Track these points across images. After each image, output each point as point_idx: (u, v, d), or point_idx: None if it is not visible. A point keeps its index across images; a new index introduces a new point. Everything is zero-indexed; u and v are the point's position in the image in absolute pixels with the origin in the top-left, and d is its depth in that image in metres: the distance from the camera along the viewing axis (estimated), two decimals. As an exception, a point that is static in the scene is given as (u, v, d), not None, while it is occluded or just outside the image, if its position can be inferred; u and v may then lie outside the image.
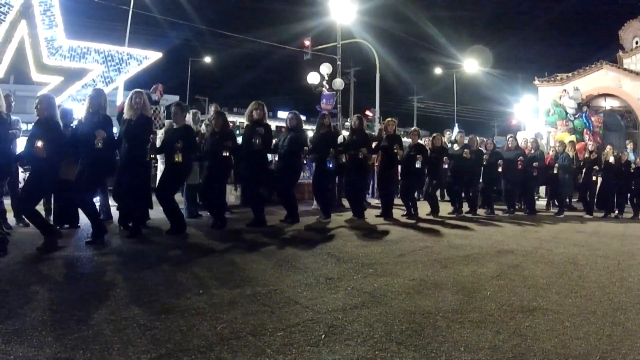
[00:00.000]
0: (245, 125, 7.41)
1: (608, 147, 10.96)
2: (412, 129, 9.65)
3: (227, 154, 6.59)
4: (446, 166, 9.06)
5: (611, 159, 10.33)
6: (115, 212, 7.25)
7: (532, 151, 10.40)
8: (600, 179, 10.57)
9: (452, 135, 12.57)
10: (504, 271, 4.75)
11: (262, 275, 4.32)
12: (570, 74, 18.64)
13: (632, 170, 10.22)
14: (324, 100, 13.75)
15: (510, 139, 10.65)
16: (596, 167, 10.15)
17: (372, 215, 8.44)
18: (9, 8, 7.76)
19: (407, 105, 45.76)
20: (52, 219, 6.64)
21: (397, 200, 9.53)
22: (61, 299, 3.45)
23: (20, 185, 7.65)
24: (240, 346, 2.72)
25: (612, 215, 10.36)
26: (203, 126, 8.00)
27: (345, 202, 9.38)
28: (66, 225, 6.46)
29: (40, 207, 6.64)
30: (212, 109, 8.10)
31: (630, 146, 13.51)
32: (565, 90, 17.76)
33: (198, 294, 3.67)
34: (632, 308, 3.63)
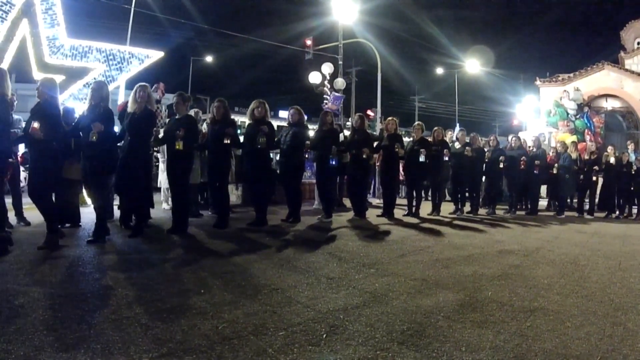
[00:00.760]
0: (247, 124, 7.41)
1: (609, 148, 10.95)
2: (416, 123, 9.61)
3: (228, 141, 6.55)
4: (446, 158, 9.03)
5: (612, 160, 10.32)
6: (116, 211, 7.26)
7: (534, 149, 10.39)
8: (601, 180, 10.56)
9: (454, 135, 12.55)
10: (505, 271, 4.74)
11: (263, 274, 4.32)
12: (571, 75, 18.62)
13: (633, 172, 10.21)
14: (332, 100, 13.76)
15: (514, 138, 10.64)
16: (596, 167, 10.14)
17: (373, 215, 8.44)
18: (10, 7, 7.76)
19: (409, 105, 45.75)
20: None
21: (399, 200, 9.52)
22: (62, 299, 3.45)
23: (22, 185, 7.68)
24: (242, 346, 2.73)
25: (613, 215, 10.35)
26: (204, 125, 7.99)
27: (347, 202, 9.38)
28: (67, 224, 6.46)
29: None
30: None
31: (631, 147, 13.46)
32: (566, 90, 17.74)
33: (199, 294, 3.67)
34: (633, 308, 3.63)
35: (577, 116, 17.24)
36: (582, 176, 10.23)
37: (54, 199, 6.65)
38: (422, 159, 8.38)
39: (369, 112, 23.46)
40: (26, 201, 7.45)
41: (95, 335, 2.79)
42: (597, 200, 10.67)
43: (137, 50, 9.35)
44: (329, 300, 3.61)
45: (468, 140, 9.89)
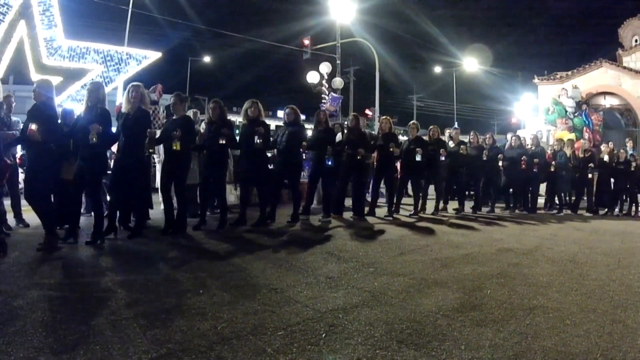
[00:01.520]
0: (242, 124, 7.39)
1: (603, 146, 10.98)
2: (411, 122, 9.55)
3: (224, 142, 6.51)
4: (443, 158, 9.01)
5: (606, 157, 10.35)
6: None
7: (533, 148, 10.40)
8: (596, 177, 10.60)
9: (451, 134, 12.54)
10: (504, 270, 4.75)
11: (262, 274, 4.32)
12: (569, 72, 18.62)
13: (632, 169, 10.22)
14: (330, 101, 13.76)
15: (514, 137, 10.65)
16: (591, 165, 10.15)
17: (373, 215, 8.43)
18: (8, 8, 7.75)
19: (407, 104, 45.79)
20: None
21: (404, 200, 9.50)
22: (61, 300, 3.45)
23: (20, 187, 7.66)
24: (241, 345, 2.72)
25: (611, 213, 10.35)
26: (203, 125, 7.99)
27: (347, 202, 9.36)
28: (66, 226, 6.45)
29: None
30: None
31: (630, 144, 13.53)
32: (564, 88, 17.76)
33: (198, 294, 3.67)
34: (632, 306, 3.63)
35: (576, 114, 17.25)
36: (577, 174, 10.24)
37: (53, 200, 6.67)
38: (418, 158, 8.36)
39: (367, 111, 23.49)
40: (25, 203, 7.46)
41: (95, 336, 2.79)
42: (594, 198, 10.68)
43: (135, 51, 9.34)
44: (328, 300, 3.61)
45: (463, 139, 9.87)
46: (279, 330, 2.96)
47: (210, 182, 6.86)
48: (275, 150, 7.55)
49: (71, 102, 8.52)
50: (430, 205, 9.37)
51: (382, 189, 11.09)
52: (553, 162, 10.07)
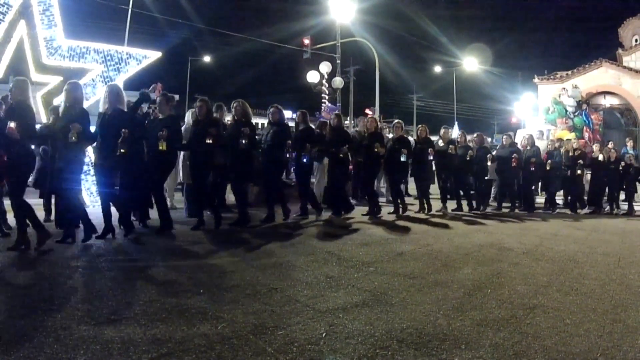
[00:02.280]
0: (229, 124, 7.38)
1: (595, 145, 11.00)
2: (396, 121, 9.40)
3: (211, 141, 6.43)
4: (430, 157, 8.96)
5: (600, 157, 10.35)
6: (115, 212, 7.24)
7: (528, 147, 10.40)
8: (589, 176, 10.63)
9: (453, 134, 12.52)
10: (504, 269, 4.75)
11: (262, 274, 4.32)
12: (569, 72, 18.63)
13: (632, 169, 10.21)
14: (327, 110, 13.80)
15: (505, 136, 10.67)
16: (580, 161, 10.13)
17: (372, 215, 8.42)
18: (7, 8, 7.72)
19: (407, 104, 45.75)
20: (53, 219, 6.62)
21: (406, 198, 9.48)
22: (61, 300, 3.45)
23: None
24: (241, 345, 2.72)
25: (604, 211, 10.31)
26: (188, 114, 7.96)
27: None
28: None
29: (39, 208, 6.65)
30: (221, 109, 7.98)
31: (630, 144, 13.53)
32: (564, 88, 17.76)
33: (198, 294, 3.67)
34: (632, 305, 3.63)
35: (576, 113, 17.26)
36: (569, 172, 10.23)
37: (52, 201, 6.67)
38: (403, 158, 8.33)
39: (367, 110, 23.49)
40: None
41: (95, 335, 2.79)
42: (585, 197, 10.69)
43: (135, 50, 9.32)
44: (328, 299, 3.61)
45: (459, 139, 9.83)
46: (279, 330, 2.96)
47: (196, 181, 6.79)
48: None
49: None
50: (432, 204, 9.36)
51: (383, 188, 11.10)
52: (549, 161, 10.08)
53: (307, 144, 7.66)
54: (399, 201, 8.74)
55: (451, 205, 9.58)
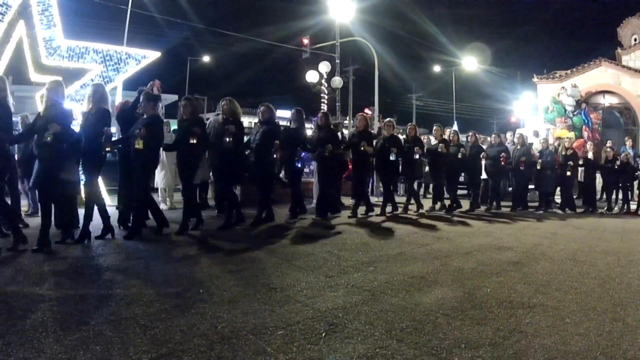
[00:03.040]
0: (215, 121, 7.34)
1: (588, 144, 11.03)
2: (387, 119, 9.30)
3: (195, 141, 6.30)
4: (417, 156, 8.92)
5: (590, 155, 10.39)
6: (115, 212, 7.24)
7: (519, 147, 10.42)
8: (580, 176, 10.68)
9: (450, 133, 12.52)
10: (503, 268, 4.75)
11: (261, 273, 4.32)
12: (569, 71, 18.62)
13: (628, 168, 10.23)
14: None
15: (494, 135, 10.75)
16: (571, 163, 10.14)
17: (373, 214, 8.42)
18: (7, 8, 7.72)
19: (406, 103, 45.70)
20: (53, 220, 6.60)
21: (401, 198, 9.50)
22: (61, 300, 3.45)
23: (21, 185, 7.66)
24: (241, 345, 2.73)
25: (599, 211, 10.32)
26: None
27: (345, 201, 9.36)
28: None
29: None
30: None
31: (629, 143, 13.54)
32: (564, 87, 17.76)
33: (198, 293, 3.67)
34: (632, 304, 3.64)
35: (575, 113, 17.26)
36: (559, 171, 10.26)
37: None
38: (392, 157, 8.30)
39: (366, 110, 23.45)
40: (24, 203, 7.46)
41: (94, 336, 2.79)
42: (575, 196, 10.73)
43: (134, 50, 9.32)
44: (327, 299, 3.62)
45: (452, 137, 9.84)
46: (279, 330, 2.96)
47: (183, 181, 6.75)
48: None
49: (70, 102, 8.49)
50: (426, 204, 9.37)
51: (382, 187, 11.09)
52: (539, 160, 10.10)
53: (298, 148, 7.58)
54: (393, 201, 8.77)
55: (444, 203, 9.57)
